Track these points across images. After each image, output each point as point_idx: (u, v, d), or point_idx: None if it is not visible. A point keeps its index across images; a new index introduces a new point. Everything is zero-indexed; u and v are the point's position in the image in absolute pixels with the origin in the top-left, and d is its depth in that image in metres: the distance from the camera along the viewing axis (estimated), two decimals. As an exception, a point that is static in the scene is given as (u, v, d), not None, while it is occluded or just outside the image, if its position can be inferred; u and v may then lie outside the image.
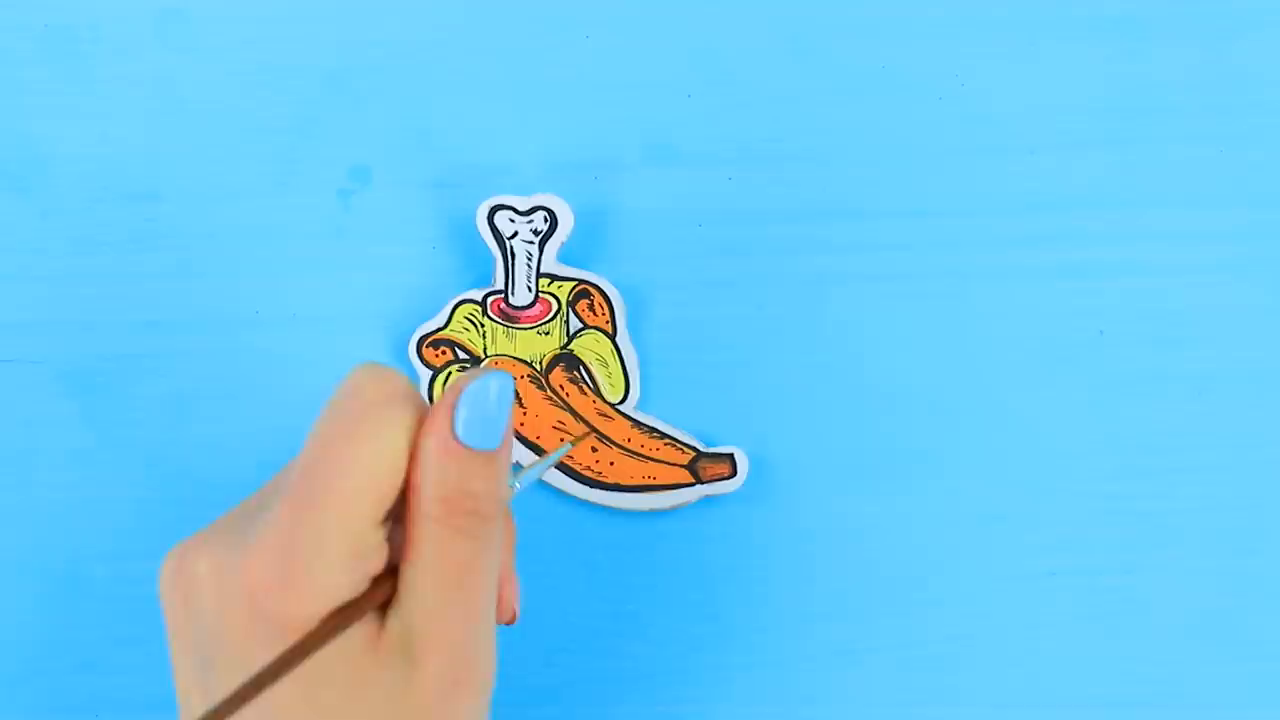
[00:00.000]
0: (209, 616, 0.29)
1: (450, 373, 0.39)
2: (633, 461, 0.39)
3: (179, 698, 0.30)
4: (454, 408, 0.30)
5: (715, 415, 0.39)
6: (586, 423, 0.39)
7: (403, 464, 0.29)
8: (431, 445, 0.30)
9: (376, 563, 0.29)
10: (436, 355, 0.39)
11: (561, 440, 0.39)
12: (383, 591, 0.30)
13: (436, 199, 0.40)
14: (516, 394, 0.39)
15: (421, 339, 0.39)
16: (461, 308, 0.39)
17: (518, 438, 0.39)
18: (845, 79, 0.40)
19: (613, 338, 0.39)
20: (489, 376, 0.30)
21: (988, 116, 0.40)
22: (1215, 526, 0.39)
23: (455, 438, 0.30)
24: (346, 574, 0.29)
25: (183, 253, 0.40)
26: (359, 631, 0.29)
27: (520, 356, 0.39)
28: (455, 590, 0.30)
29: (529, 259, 0.39)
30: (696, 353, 0.40)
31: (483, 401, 0.30)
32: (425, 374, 0.39)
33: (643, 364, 0.39)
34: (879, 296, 0.40)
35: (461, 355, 0.39)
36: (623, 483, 0.39)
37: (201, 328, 0.40)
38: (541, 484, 0.39)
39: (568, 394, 0.39)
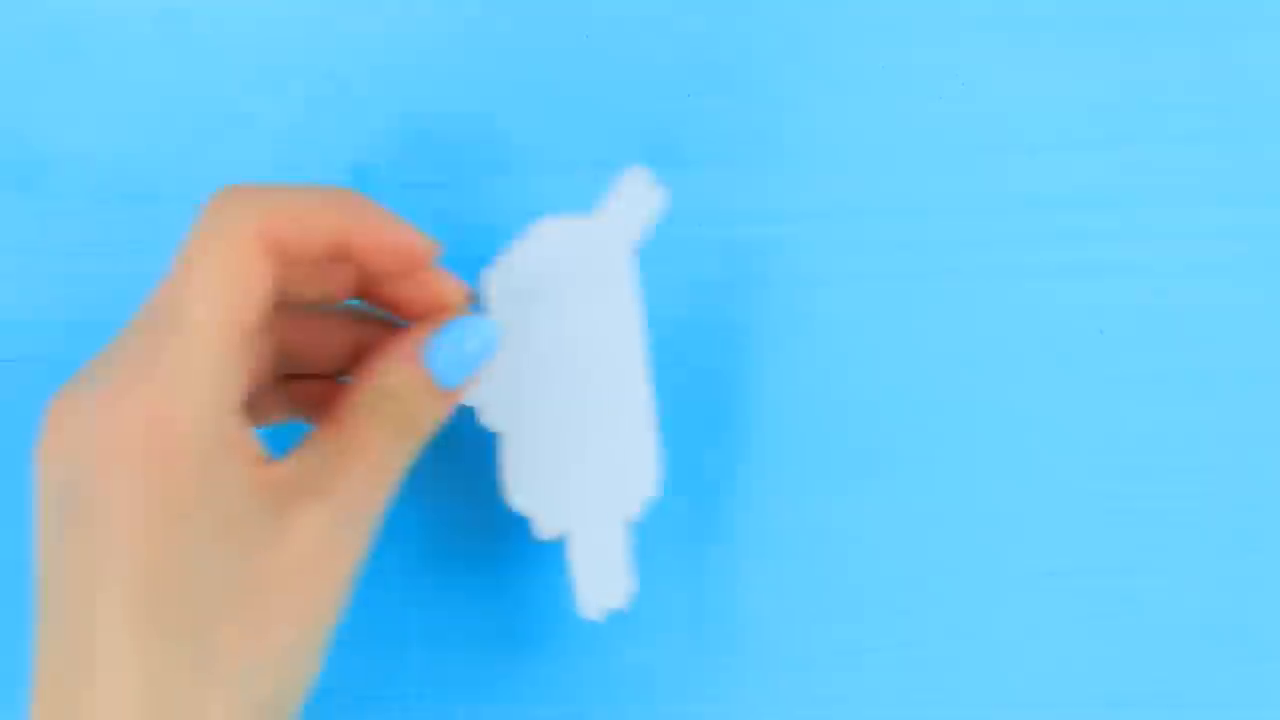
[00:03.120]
0: (73, 454, 0.29)
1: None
2: None
3: (36, 566, 0.30)
4: (435, 337, 0.32)
5: (714, 416, 0.39)
6: None
7: (256, 274, 0.30)
8: (401, 352, 0.32)
9: (242, 386, 0.30)
10: None
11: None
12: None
13: (436, 199, 0.40)
14: None
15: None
16: None
17: None
18: (845, 79, 0.40)
19: None
20: (479, 324, 0.33)
21: (988, 116, 0.40)
22: (1215, 526, 0.39)
23: (425, 360, 0.32)
24: (219, 399, 0.29)
25: (183, 253, 0.40)
26: (241, 470, 0.30)
27: None
28: (364, 475, 0.31)
29: None
30: (696, 353, 0.40)
31: (461, 344, 0.33)
32: None
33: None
34: (877, 296, 0.40)
35: None
36: None
37: (201, 328, 0.40)
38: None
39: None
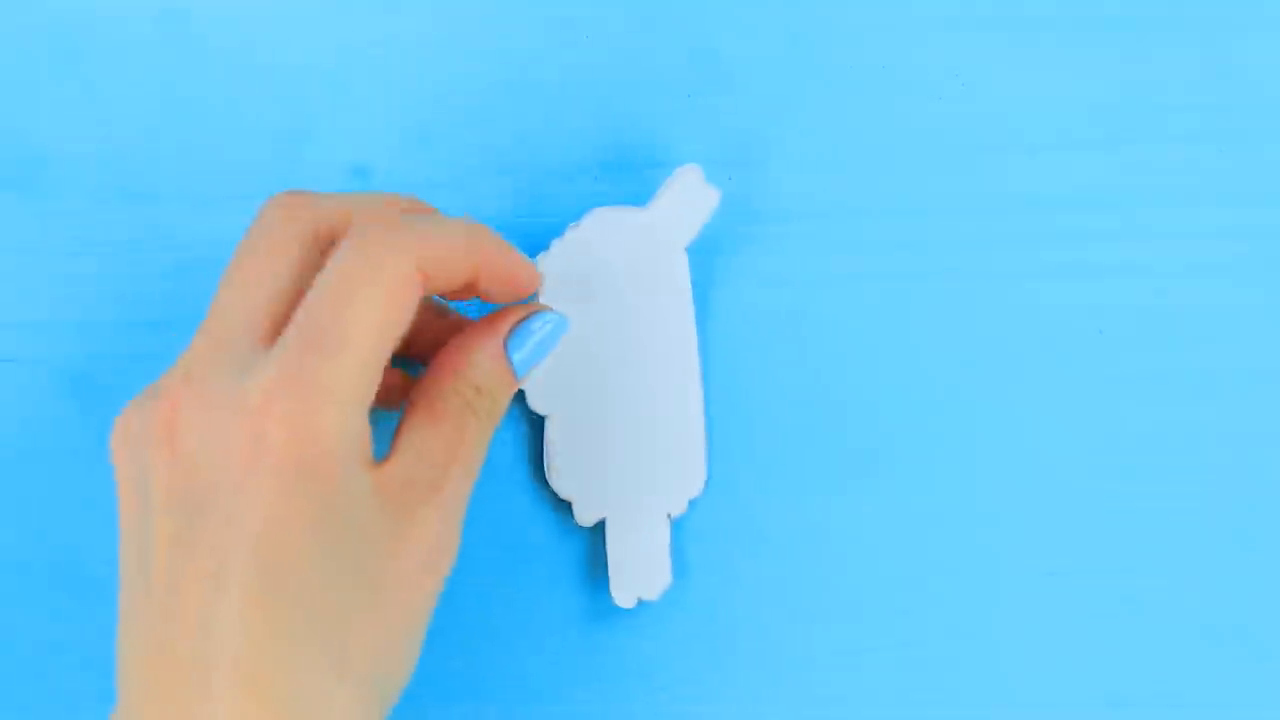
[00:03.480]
0: (203, 462, 0.29)
1: None
2: None
3: (129, 568, 0.30)
4: (520, 326, 0.34)
5: (714, 417, 0.39)
6: None
7: (409, 306, 0.31)
8: (489, 346, 0.34)
9: (372, 399, 0.31)
10: None
11: None
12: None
13: (436, 199, 0.40)
14: None
15: None
16: None
17: None
18: (845, 79, 0.40)
19: None
20: (556, 317, 0.35)
21: (988, 116, 0.40)
22: (1215, 526, 0.39)
23: (507, 353, 0.34)
24: (359, 415, 0.30)
25: (183, 253, 0.40)
26: (367, 475, 0.31)
27: None
28: (463, 472, 0.33)
29: None
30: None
31: (536, 337, 0.35)
32: None
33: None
34: (877, 296, 0.40)
35: None
36: None
37: (201, 328, 0.40)
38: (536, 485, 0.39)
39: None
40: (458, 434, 0.33)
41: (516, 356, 0.34)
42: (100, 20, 0.41)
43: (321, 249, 0.32)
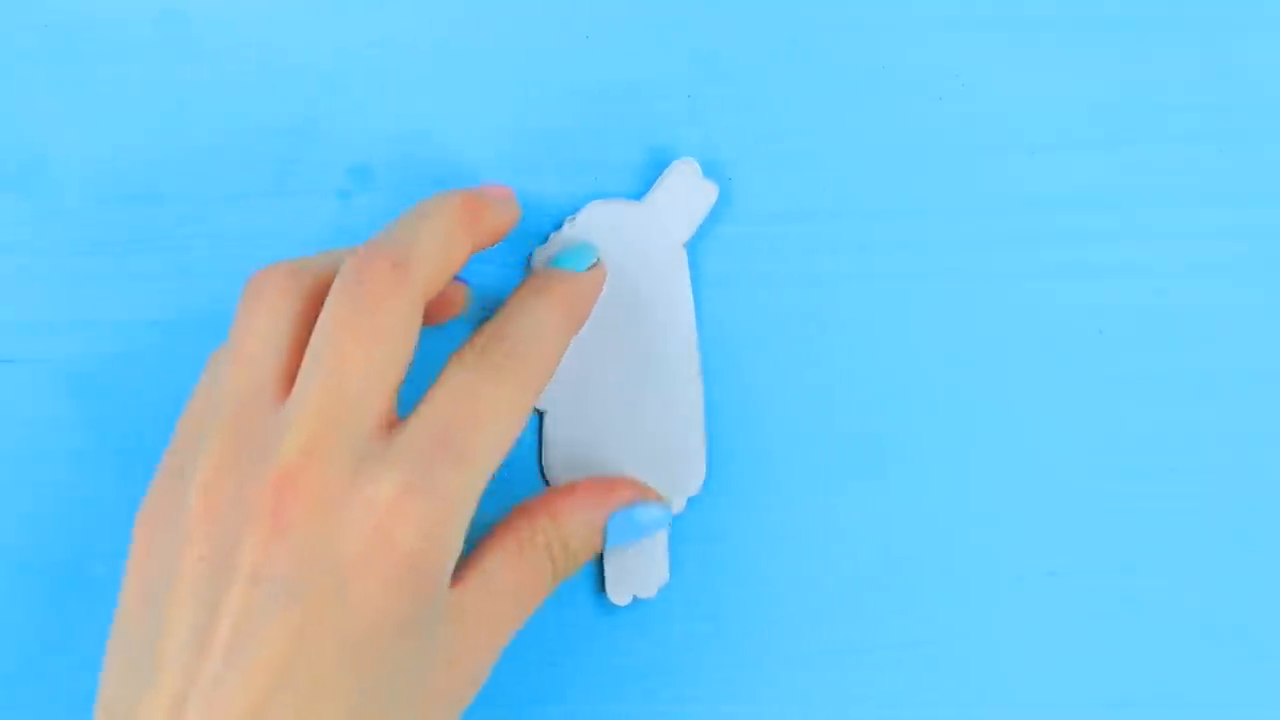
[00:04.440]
0: (312, 550, 0.29)
1: None
2: None
3: (176, 624, 0.30)
4: (629, 509, 0.36)
5: (714, 417, 0.39)
6: None
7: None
8: (595, 518, 0.35)
9: None
10: None
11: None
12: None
13: (436, 199, 0.40)
14: None
15: None
16: None
17: None
18: (845, 79, 0.40)
19: None
20: (662, 512, 0.37)
21: (988, 116, 0.40)
22: (1215, 526, 0.39)
23: (605, 527, 0.35)
24: (466, 527, 0.31)
25: (183, 253, 0.40)
26: (448, 591, 0.31)
27: None
28: (526, 609, 0.34)
29: None
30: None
31: (639, 525, 0.36)
32: None
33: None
34: (877, 296, 0.40)
35: None
36: None
37: (201, 328, 0.40)
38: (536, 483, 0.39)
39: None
40: (531, 579, 0.33)
41: (610, 533, 0.35)
42: (100, 21, 0.41)
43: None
